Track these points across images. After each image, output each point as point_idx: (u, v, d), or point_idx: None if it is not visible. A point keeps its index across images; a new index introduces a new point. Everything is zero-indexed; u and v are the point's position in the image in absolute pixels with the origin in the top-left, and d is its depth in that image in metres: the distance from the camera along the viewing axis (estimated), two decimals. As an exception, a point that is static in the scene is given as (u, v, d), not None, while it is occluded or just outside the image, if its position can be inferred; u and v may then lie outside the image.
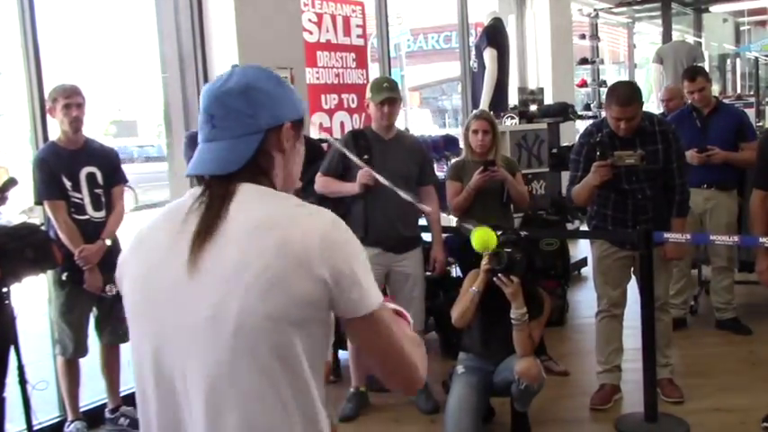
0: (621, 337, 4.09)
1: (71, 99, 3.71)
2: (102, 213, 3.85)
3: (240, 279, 1.25)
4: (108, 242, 3.79)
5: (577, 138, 4.31)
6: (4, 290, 3.10)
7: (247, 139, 1.36)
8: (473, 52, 7.16)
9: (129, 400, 4.16)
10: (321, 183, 4.01)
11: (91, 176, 3.78)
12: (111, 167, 3.90)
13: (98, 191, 3.84)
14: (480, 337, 3.69)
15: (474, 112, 4.76)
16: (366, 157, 3.89)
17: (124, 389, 4.17)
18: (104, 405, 4.11)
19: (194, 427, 1.31)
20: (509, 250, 3.52)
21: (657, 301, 3.86)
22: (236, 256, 1.27)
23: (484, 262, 3.54)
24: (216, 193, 1.35)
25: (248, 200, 1.33)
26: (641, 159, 3.65)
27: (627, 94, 3.71)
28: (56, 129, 3.82)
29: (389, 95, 3.91)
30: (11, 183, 3.34)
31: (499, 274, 3.48)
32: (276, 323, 1.26)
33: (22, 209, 3.66)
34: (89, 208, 3.79)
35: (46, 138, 3.92)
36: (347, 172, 3.96)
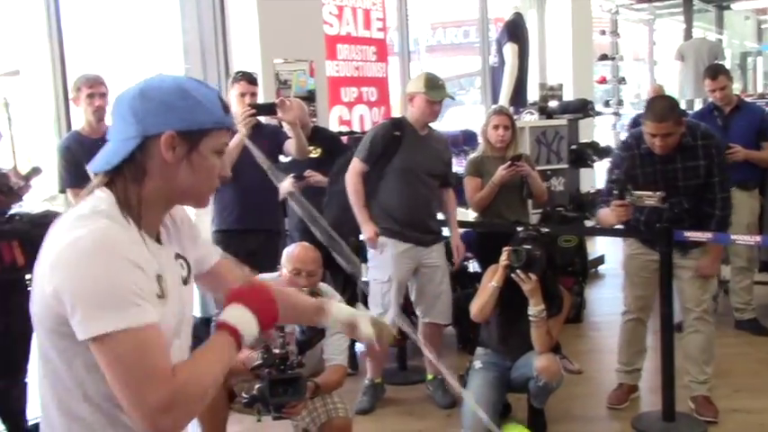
0: (645, 340, 4.04)
1: (95, 89, 3.74)
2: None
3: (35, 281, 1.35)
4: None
5: (614, 149, 4.23)
6: (28, 276, 3.13)
7: (125, 143, 1.36)
8: (493, 47, 7.13)
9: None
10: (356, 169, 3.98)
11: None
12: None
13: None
14: (498, 332, 3.69)
15: (493, 107, 4.76)
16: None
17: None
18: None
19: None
20: (528, 247, 3.51)
21: (694, 311, 3.76)
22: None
23: (502, 258, 3.54)
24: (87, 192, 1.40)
25: (83, 202, 1.38)
26: (662, 201, 3.49)
27: (662, 109, 3.50)
28: (79, 118, 3.85)
29: (446, 95, 3.98)
30: (34, 171, 3.37)
31: (517, 271, 3.48)
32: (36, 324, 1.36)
33: (45, 197, 3.69)
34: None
35: (69, 127, 3.95)
36: (386, 158, 3.94)
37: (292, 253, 3.24)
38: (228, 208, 4.09)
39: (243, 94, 4.05)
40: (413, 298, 4.15)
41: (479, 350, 3.78)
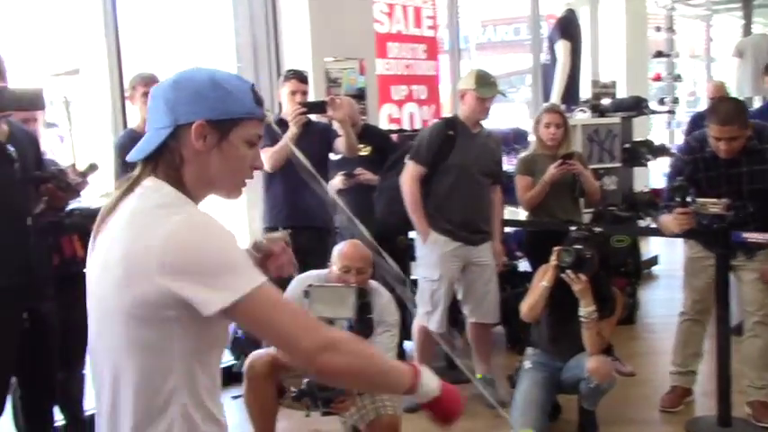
0: (702, 343, 3.95)
1: (149, 87, 3.79)
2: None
3: (104, 273, 1.38)
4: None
5: (676, 151, 4.13)
6: (86, 269, 3.21)
7: (159, 132, 1.42)
8: (545, 44, 7.06)
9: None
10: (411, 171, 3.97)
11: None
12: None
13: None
14: (549, 332, 3.65)
15: (544, 105, 4.71)
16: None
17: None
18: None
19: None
20: (579, 247, 3.46)
21: (755, 315, 3.66)
22: (104, 251, 1.40)
23: (552, 258, 3.50)
24: (126, 181, 1.46)
25: (138, 193, 1.42)
26: (727, 209, 3.37)
27: (727, 112, 3.39)
28: (135, 116, 3.93)
29: (497, 92, 3.97)
30: (91, 168, 3.44)
31: (568, 271, 3.43)
32: (124, 316, 1.35)
33: (101, 193, 3.77)
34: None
35: (125, 124, 4.04)
36: (441, 157, 3.91)
37: (342, 250, 3.25)
38: (278, 206, 4.12)
39: (293, 93, 4.08)
40: (460, 297, 4.13)
41: (529, 350, 3.75)
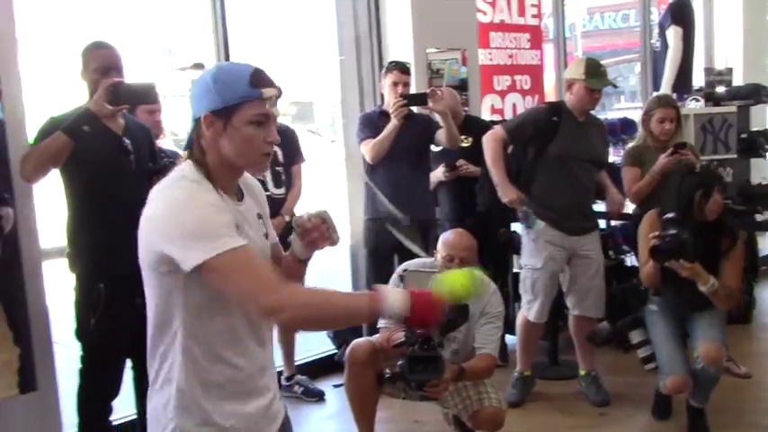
0: None
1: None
2: (282, 190, 4.04)
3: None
4: (287, 218, 3.97)
5: None
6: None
7: (190, 126, 1.69)
8: (655, 30, 6.80)
9: (304, 368, 4.37)
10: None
11: (272, 155, 3.97)
12: (291, 146, 4.06)
13: (279, 168, 4.02)
14: (671, 286, 3.46)
15: (657, 96, 4.54)
16: None
17: (298, 359, 4.37)
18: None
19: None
20: (673, 231, 3.28)
21: None
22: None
23: (650, 236, 3.35)
24: None
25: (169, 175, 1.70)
26: None
27: None
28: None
29: (607, 83, 3.91)
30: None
31: (671, 261, 3.27)
32: (145, 267, 1.67)
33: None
34: (270, 185, 3.98)
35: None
36: (543, 143, 3.84)
37: (447, 239, 3.28)
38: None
39: (396, 84, 4.10)
40: (564, 288, 4.04)
41: (653, 297, 3.60)
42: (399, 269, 3.29)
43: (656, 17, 7.35)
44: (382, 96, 4.39)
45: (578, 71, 3.82)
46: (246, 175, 1.79)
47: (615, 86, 4.12)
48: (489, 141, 3.91)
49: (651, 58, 7.00)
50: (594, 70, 3.80)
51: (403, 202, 4.06)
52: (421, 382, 2.82)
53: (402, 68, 4.15)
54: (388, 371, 3.02)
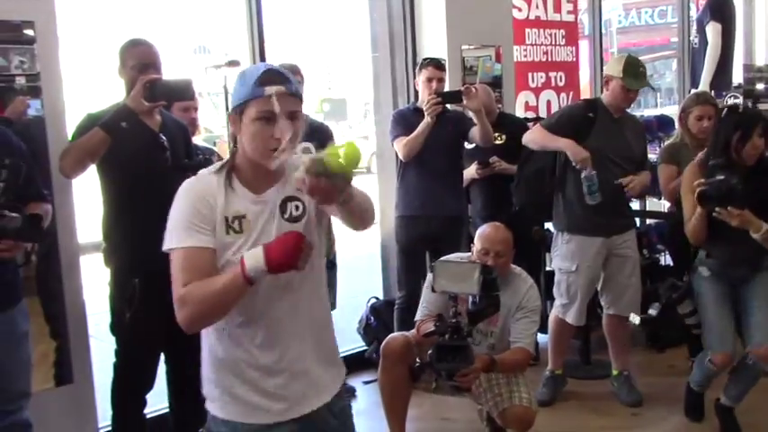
0: None
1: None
2: (314, 187, 4.05)
3: None
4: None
5: None
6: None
7: None
8: (694, 27, 6.70)
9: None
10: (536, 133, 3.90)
11: (306, 151, 3.97)
12: (324, 143, 4.07)
13: (312, 165, 4.03)
14: (723, 247, 3.32)
15: (695, 93, 4.46)
16: None
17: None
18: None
19: None
20: (722, 177, 3.12)
21: None
22: None
23: (695, 183, 3.19)
24: None
25: None
26: None
27: None
28: (276, 106, 4.05)
29: (645, 84, 3.84)
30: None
31: (718, 209, 3.11)
32: None
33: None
34: (303, 181, 3.99)
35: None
36: (577, 140, 3.75)
37: (484, 231, 3.29)
38: (412, 193, 4.14)
39: (430, 80, 4.09)
40: (598, 287, 4.00)
41: (701, 255, 3.44)
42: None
43: (694, 13, 7.24)
44: (416, 93, 4.38)
45: (617, 68, 3.76)
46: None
47: (653, 88, 4.03)
48: (530, 134, 3.91)
49: (689, 54, 6.89)
50: (633, 69, 3.73)
51: (435, 199, 4.09)
52: (450, 371, 2.82)
53: (437, 64, 4.13)
54: (418, 360, 3.03)
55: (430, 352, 2.82)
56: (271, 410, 1.85)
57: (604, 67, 4.07)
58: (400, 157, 4.12)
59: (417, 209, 4.13)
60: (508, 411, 3.13)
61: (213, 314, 1.75)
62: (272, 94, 1.73)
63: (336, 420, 1.95)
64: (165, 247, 1.79)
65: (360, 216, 1.85)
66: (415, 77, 4.33)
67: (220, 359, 1.86)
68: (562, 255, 3.92)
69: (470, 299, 2.90)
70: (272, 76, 1.76)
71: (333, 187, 1.63)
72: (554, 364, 4.08)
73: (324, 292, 1.98)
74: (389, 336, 3.32)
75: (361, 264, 6.09)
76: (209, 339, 1.88)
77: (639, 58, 4.04)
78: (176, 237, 1.78)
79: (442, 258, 3.17)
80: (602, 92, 4.05)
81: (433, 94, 3.96)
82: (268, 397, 1.85)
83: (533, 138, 3.90)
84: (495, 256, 3.14)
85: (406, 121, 4.14)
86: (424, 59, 4.26)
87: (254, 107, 1.75)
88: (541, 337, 4.54)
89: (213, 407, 1.90)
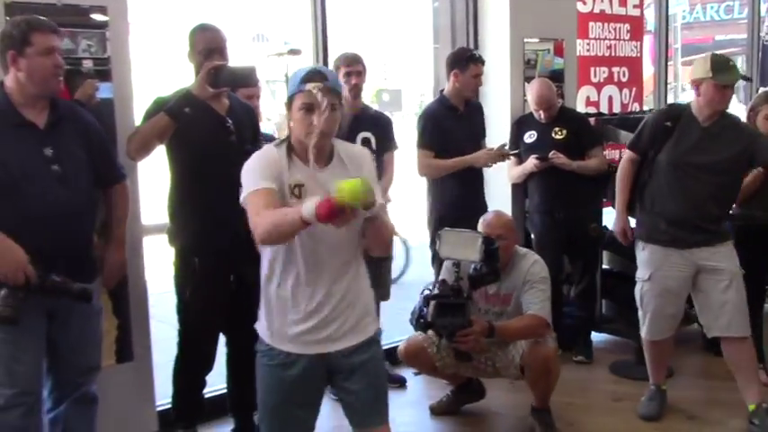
0: None
1: (352, 67, 3.92)
2: (373, 177, 4.07)
3: None
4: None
5: None
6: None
7: None
8: (765, 22, 6.50)
9: (386, 354, 4.38)
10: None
11: (366, 141, 3.97)
12: (384, 134, 4.07)
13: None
14: None
15: (765, 91, 4.31)
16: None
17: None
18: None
19: None
20: None
21: None
22: None
23: None
24: None
25: None
26: None
27: None
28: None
29: (738, 77, 3.52)
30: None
31: None
32: None
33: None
34: (361, 172, 4.01)
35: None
36: (654, 151, 3.56)
37: (486, 218, 3.54)
38: (448, 191, 4.20)
39: (476, 76, 4.14)
40: (696, 309, 3.69)
41: None
42: None
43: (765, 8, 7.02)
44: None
45: (704, 69, 3.46)
46: (354, 148, 2.45)
47: (748, 79, 3.71)
48: (620, 164, 3.76)
49: (759, 51, 6.69)
50: (722, 65, 3.45)
51: (474, 198, 4.19)
52: (449, 329, 3.05)
53: (483, 61, 4.23)
54: (421, 320, 3.17)
55: (430, 310, 3.05)
56: (305, 342, 2.32)
57: (689, 74, 3.79)
58: (418, 171, 4.21)
59: (458, 209, 4.14)
60: (531, 351, 3.35)
61: (279, 234, 2.13)
62: (312, 89, 2.17)
63: (352, 372, 2.39)
64: (243, 196, 2.22)
65: (374, 243, 2.32)
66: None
67: (269, 301, 2.36)
68: (639, 263, 3.70)
69: (472, 265, 3.16)
70: (314, 75, 2.23)
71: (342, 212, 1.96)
72: (654, 378, 3.86)
73: (360, 262, 2.39)
74: (407, 340, 3.60)
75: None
76: (266, 289, 2.35)
77: (705, 55, 3.85)
78: (252, 183, 2.21)
79: (447, 228, 3.31)
80: (664, 90, 3.90)
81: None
82: (302, 333, 2.31)
83: (617, 173, 3.76)
84: (498, 240, 3.28)
85: (436, 123, 4.19)
86: (472, 55, 4.25)
87: (299, 99, 2.23)
88: (596, 336, 4.49)
89: (260, 327, 2.41)
